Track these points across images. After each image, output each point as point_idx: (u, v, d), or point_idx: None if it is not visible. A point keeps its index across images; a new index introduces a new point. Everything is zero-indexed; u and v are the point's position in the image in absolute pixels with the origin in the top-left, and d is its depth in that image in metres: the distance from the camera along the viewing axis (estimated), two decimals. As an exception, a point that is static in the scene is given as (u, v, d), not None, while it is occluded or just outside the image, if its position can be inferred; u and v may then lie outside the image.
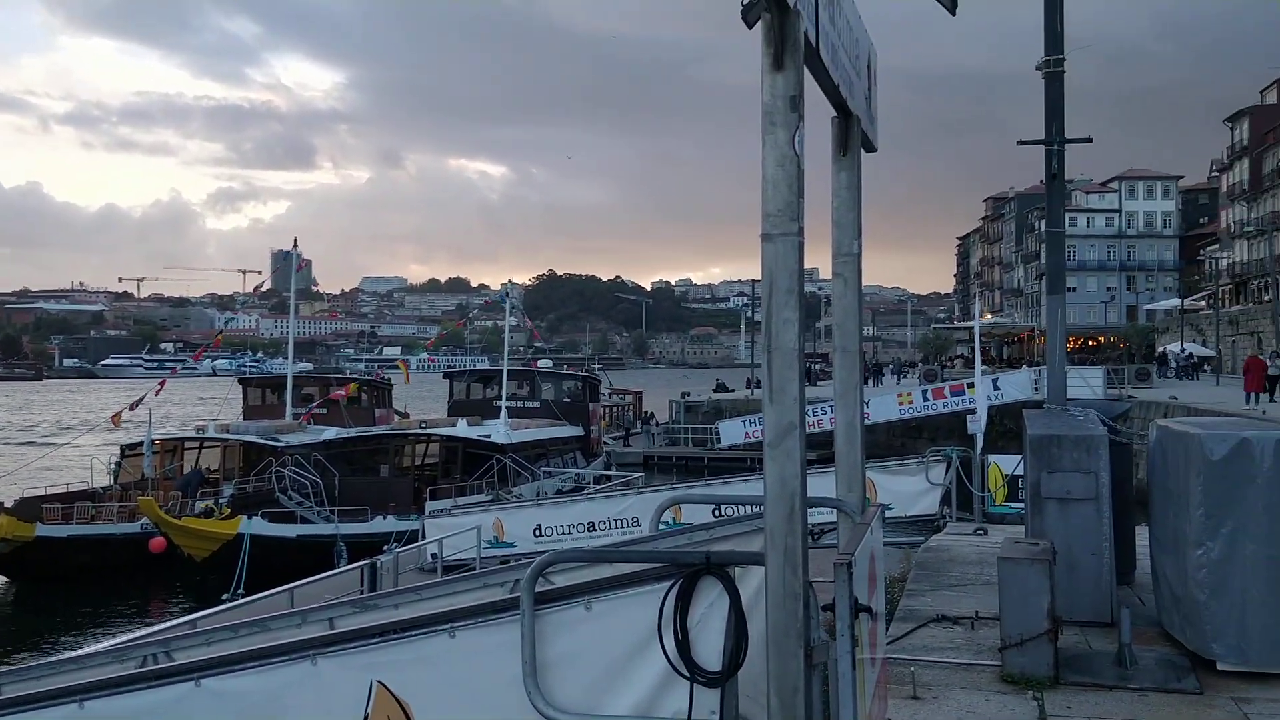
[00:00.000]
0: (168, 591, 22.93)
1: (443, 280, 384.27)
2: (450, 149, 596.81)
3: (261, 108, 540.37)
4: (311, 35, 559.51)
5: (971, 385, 39.88)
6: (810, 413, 35.93)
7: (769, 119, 3.59)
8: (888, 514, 14.90)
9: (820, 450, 12.32)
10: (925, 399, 40.76)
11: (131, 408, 28.89)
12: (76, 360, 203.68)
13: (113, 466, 27.95)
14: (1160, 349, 62.87)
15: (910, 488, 15.98)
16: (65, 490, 25.72)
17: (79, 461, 36.73)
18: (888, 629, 7.66)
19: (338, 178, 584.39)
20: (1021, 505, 11.17)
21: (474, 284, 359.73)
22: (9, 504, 23.50)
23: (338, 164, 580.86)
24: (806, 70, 4.17)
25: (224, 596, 18.36)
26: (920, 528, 15.12)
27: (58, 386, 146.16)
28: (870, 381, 57.99)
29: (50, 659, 7.24)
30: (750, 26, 3.82)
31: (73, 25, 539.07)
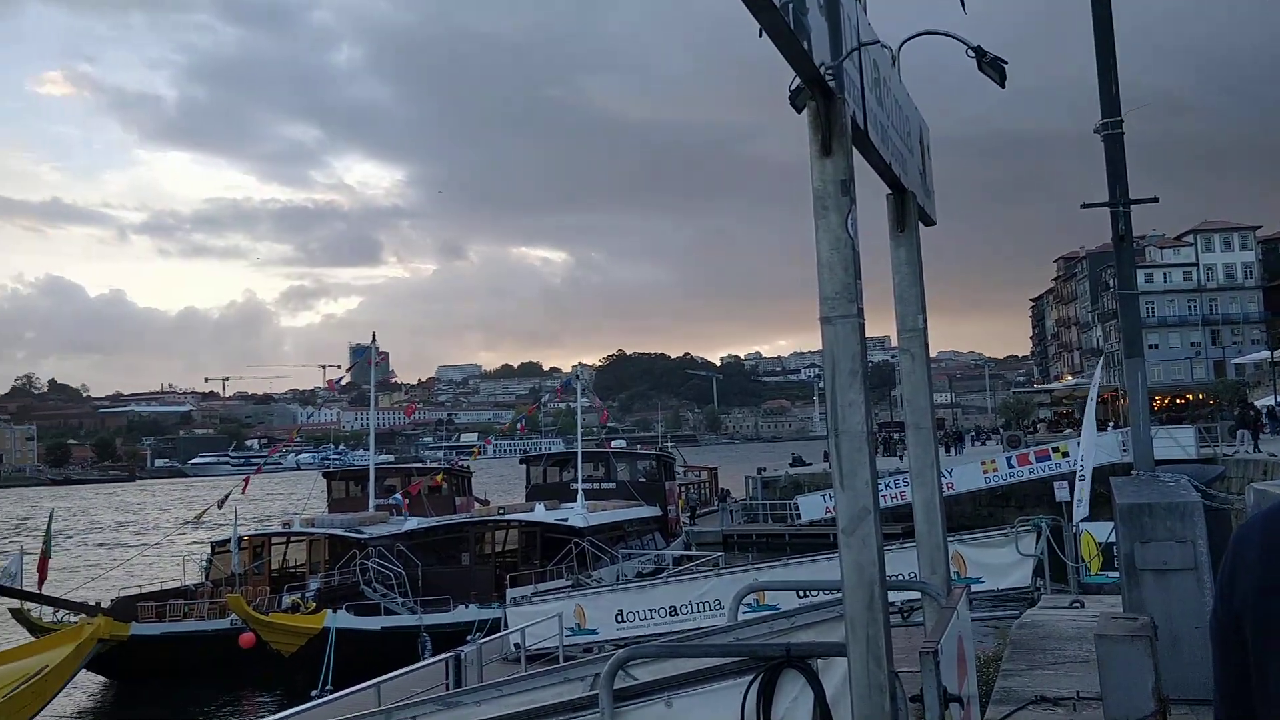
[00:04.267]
0: (259, 688, 23.09)
1: (515, 365, 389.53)
2: (510, 238, 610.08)
3: (326, 208, 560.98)
4: (369, 136, 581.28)
5: (1058, 449, 38.85)
6: (894, 484, 34.82)
7: (820, 203, 3.60)
8: (979, 588, 14.45)
9: (906, 524, 12.06)
10: (1010, 466, 39.74)
11: (219, 505, 29.58)
12: (167, 460, 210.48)
13: (204, 564, 28.54)
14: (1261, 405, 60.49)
15: (1000, 560, 15.50)
16: (159, 589, 26.31)
17: (174, 559, 37.65)
18: (984, 713, 7.37)
19: (405, 271, 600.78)
20: (1118, 574, 10.74)
21: (545, 368, 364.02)
22: (105, 604, 24.10)
23: (403, 258, 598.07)
24: (857, 151, 4.19)
25: (312, 693, 18.46)
26: (1013, 601, 14.62)
27: (150, 486, 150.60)
28: (950, 449, 56.75)
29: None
30: (799, 112, 3.86)
31: (146, 139, 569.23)
